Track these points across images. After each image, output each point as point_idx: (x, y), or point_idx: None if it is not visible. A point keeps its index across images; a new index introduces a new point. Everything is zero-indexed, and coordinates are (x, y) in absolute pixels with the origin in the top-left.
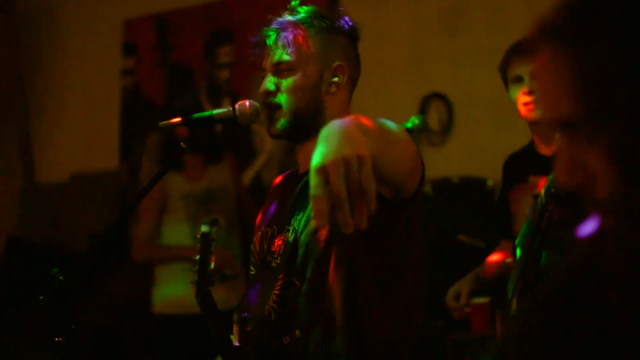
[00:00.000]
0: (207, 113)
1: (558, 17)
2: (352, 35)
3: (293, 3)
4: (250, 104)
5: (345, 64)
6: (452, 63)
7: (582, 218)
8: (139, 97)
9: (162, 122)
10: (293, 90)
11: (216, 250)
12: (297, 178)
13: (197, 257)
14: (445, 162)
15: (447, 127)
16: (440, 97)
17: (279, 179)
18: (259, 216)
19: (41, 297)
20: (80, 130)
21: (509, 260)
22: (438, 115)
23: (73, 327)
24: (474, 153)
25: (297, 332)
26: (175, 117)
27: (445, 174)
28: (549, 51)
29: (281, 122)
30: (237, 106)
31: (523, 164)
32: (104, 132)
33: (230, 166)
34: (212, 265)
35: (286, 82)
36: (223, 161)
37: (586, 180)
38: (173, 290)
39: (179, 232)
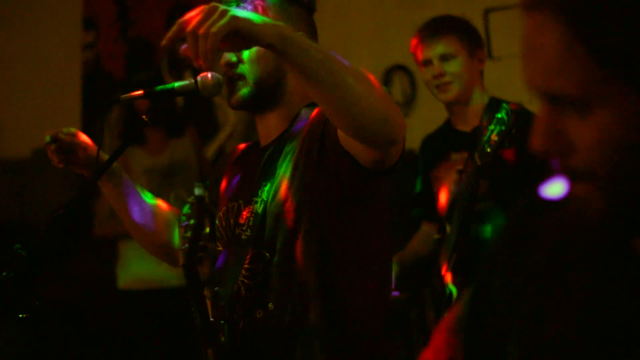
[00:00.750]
0: (169, 85)
1: None
2: (309, 6)
3: None
4: (212, 75)
5: (305, 34)
6: (411, 34)
7: (503, 188)
8: (100, 71)
9: (124, 95)
10: (255, 60)
11: (209, 214)
12: (261, 151)
13: (192, 221)
14: (409, 134)
15: (410, 99)
16: (403, 69)
17: (237, 152)
18: (221, 191)
19: (3, 273)
20: (41, 105)
21: (436, 235)
22: (401, 87)
23: (37, 303)
24: (437, 125)
25: (270, 305)
26: (136, 90)
27: (409, 146)
28: (546, 15)
29: (243, 91)
30: (199, 78)
31: (443, 142)
32: (65, 106)
33: (193, 140)
34: (207, 229)
35: (248, 53)
36: (185, 135)
37: (564, 149)
38: (137, 266)
39: None
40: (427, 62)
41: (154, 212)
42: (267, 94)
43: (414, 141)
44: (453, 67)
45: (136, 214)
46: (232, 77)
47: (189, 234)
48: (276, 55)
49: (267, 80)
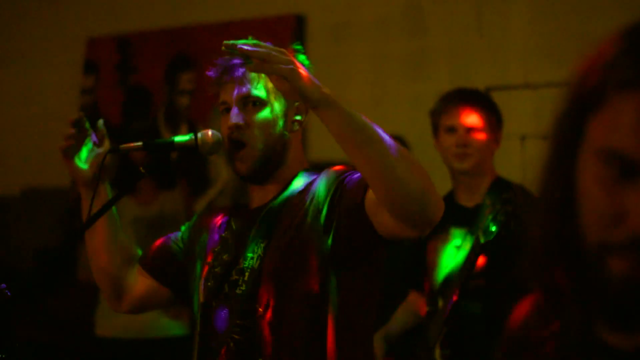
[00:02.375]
0: (168, 139)
1: None
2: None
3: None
4: (212, 134)
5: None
6: (412, 106)
7: (501, 268)
8: (97, 115)
9: (123, 145)
10: (264, 126)
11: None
12: (255, 210)
13: (225, 255)
14: None
15: None
16: (398, 139)
17: (222, 210)
18: (208, 239)
19: None
20: (35, 145)
21: (418, 313)
22: None
23: (16, 345)
24: None
25: None
26: (133, 140)
27: None
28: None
29: (253, 162)
30: (199, 135)
31: (444, 214)
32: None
33: (183, 193)
34: (241, 264)
35: (256, 117)
36: (176, 188)
37: None
38: (117, 314)
39: None
40: (452, 129)
41: (126, 244)
42: (272, 162)
43: None
44: (478, 139)
45: (111, 236)
46: (236, 140)
47: (218, 269)
48: (320, 118)
49: (273, 148)
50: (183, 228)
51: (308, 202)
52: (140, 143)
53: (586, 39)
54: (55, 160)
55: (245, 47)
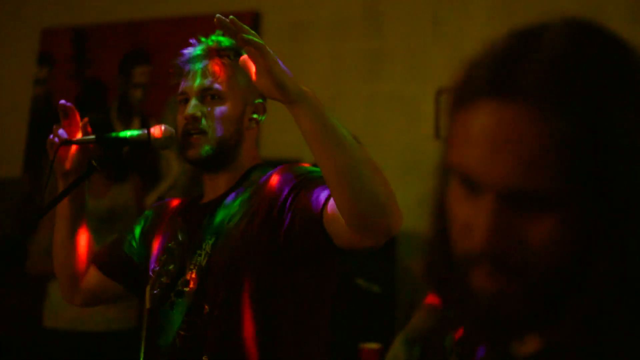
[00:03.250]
0: (121, 134)
1: (553, 77)
2: None
3: (217, 33)
4: (165, 129)
5: (265, 102)
6: (368, 107)
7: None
8: (49, 107)
9: (76, 138)
10: (221, 120)
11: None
12: (205, 205)
13: (171, 267)
14: None
15: None
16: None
17: (173, 205)
18: (158, 242)
19: None
20: None
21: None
22: None
23: None
24: None
25: (204, 358)
26: (87, 133)
27: None
28: (522, 105)
29: (205, 148)
30: (152, 130)
31: None
32: (10, 139)
33: (134, 187)
34: (187, 276)
35: (214, 111)
36: (127, 181)
37: (511, 247)
38: (65, 306)
39: None
40: None
41: (89, 239)
42: (225, 154)
43: None
44: None
45: (74, 230)
46: (191, 131)
47: (164, 278)
48: (293, 115)
49: (228, 141)
50: (137, 228)
51: (260, 198)
52: (93, 137)
53: None
54: (6, 151)
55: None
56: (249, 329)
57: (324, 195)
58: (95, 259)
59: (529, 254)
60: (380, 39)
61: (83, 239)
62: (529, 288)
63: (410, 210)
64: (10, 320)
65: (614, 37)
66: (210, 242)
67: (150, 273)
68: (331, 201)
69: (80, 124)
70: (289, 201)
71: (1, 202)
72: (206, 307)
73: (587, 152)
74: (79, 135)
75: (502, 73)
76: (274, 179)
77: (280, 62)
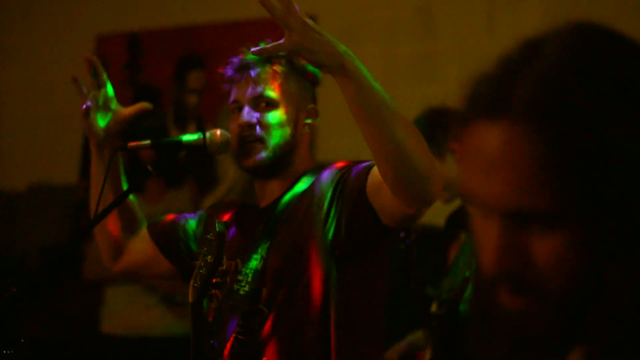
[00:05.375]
0: (177, 138)
1: (542, 95)
2: (314, 80)
3: (267, 41)
4: (221, 133)
5: (317, 107)
6: (421, 108)
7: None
8: None
9: (131, 143)
10: (276, 127)
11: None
12: (262, 210)
13: (209, 257)
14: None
15: None
16: None
17: (230, 209)
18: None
19: None
20: (43, 141)
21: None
22: None
23: (22, 340)
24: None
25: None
26: (141, 138)
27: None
28: (516, 124)
29: (262, 156)
30: (208, 134)
31: (461, 221)
32: (66, 144)
33: (191, 192)
34: (224, 266)
35: (269, 117)
36: (183, 186)
37: (520, 266)
38: (123, 312)
39: None
40: None
41: (133, 207)
42: (281, 161)
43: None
44: None
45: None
46: (248, 138)
47: (203, 270)
48: (337, 82)
49: (283, 147)
50: (191, 221)
51: (310, 199)
52: (148, 142)
53: None
54: (62, 157)
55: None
56: (305, 331)
57: (364, 171)
58: (152, 229)
59: (539, 273)
60: (433, 42)
61: (126, 206)
62: (551, 306)
63: None
64: (68, 326)
65: (621, 45)
66: (266, 245)
67: (194, 265)
68: (372, 173)
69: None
70: (337, 192)
71: (58, 208)
72: (264, 310)
73: (579, 170)
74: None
75: (497, 92)
76: (324, 178)
77: (315, 32)
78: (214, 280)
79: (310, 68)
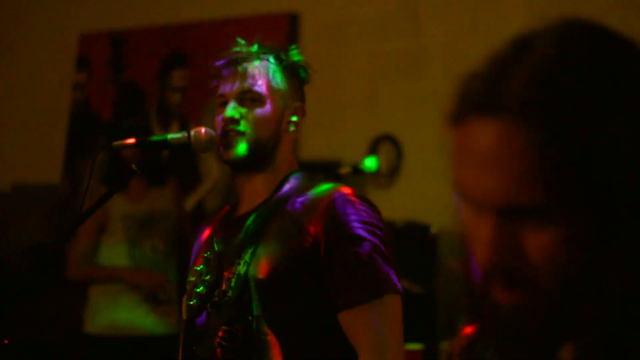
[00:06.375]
0: (161, 137)
1: (534, 91)
2: (306, 78)
3: (256, 38)
4: (206, 131)
5: (304, 105)
6: (406, 106)
7: None
8: (88, 112)
9: (116, 142)
10: (260, 122)
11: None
12: (244, 215)
13: (208, 277)
14: (391, 206)
15: (394, 170)
16: (390, 139)
17: (218, 216)
18: (196, 251)
19: None
20: (26, 140)
21: None
22: (387, 157)
23: (6, 342)
24: (419, 198)
25: None
26: (125, 137)
27: (390, 217)
28: (507, 121)
29: (241, 148)
30: (192, 132)
31: None
32: (49, 143)
33: (174, 190)
34: (224, 286)
35: (254, 113)
36: (166, 185)
37: (515, 261)
38: (106, 311)
39: (117, 253)
40: None
41: None
42: (262, 156)
43: (396, 212)
44: None
45: None
46: (231, 133)
47: (200, 289)
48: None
49: (266, 143)
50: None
51: (298, 214)
52: (133, 140)
53: None
54: (46, 156)
55: None
56: (290, 340)
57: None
58: None
59: (532, 269)
60: (418, 38)
61: None
62: (544, 301)
63: (452, 209)
64: (51, 326)
65: (612, 41)
66: (250, 251)
67: (189, 283)
68: (350, 314)
69: None
70: (327, 257)
71: (41, 208)
72: (249, 317)
73: (571, 166)
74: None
75: (490, 88)
76: (319, 213)
77: None
78: (214, 299)
79: (299, 65)
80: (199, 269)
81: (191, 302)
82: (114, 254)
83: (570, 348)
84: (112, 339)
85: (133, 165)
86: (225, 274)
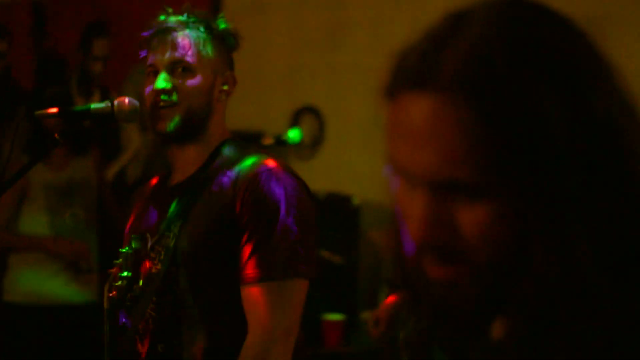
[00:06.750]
0: (84, 107)
1: (469, 66)
2: (231, 46)
3: (185, 6)
4: (129, 101)
5: (233, 74)
6: (329, 78)
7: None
8: (9, 81)
9: (39, 112)
10: (192, 93)
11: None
12: (176, 187)
13: (126, 273)
14: (313, 177)
15: (317, 141)
16: (312, 110)
17: (148, 187)
18: (130, 222)
19: None
20: None
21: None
22: (310, 128)
23: None
24: (341, 170)
25: (174, 340)
26: (47, 106)
27: (312, 189)
28: (441, 97)
29: (174, 121)
30: (116, 103)
31: None
32: None
33: (95, 159)
34: (141, 282)
35: (185, 83)
36: (88, 154)
37: (448, 237)
38: (26, 279)
39: (37, 221)
40: None
41: None
42: (194, 126)
43: (317, 183)
44: None
45: None
46: (161, 104)
47: (119, 282)
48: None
49: (198, 114)
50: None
51: (225, 190)
52: (56, 110)
53: None
54: None
55: None
56: (215, 312)
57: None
58: None
59: (464, 244)
60: (340, 10)
61: None
62: (476, 277)
63: (374, 181)
64: None
65: (549, 19)
66: (179, 224)
67: (110, 272)
68: (251, 290)
69: None
70: (242, 231)
71: None
72: (175, 289)
73: (503, 143)
74: None
75: (424, 63)
76: (243, 188)
77: None
78: (129, 296)
79: (229, 33)
80: (117, 262)
81: (111, 294)
82: (35, 222)
83: (501, 324)
84: (32, 307)
85: (56, 135)
86: (157, 247)
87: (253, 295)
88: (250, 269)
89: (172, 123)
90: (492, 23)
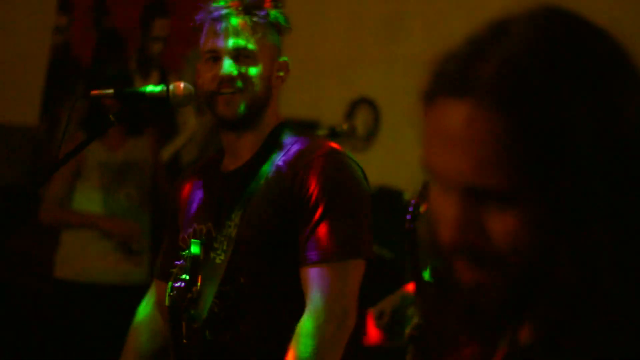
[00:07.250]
0: (140, 90)
1: (506, 77)
2: (286, 31)
3: None
4: (184, 86)
5: (287, 61)
6: (386, 69)
7: None
8: (68, 56)
9: (94, 92)
10: (256, 80)
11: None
12: (232, 173)
13: (185, 276)
14: (365, 170)
15: (372, 132)
16: (368, 102)
17: (196, 169)
18: (182, 209)
19: None
20: (5, 81)
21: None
22: (365, 120)
23: None
24: (394, 164)
25: (241, 328)
26: (105, 86)
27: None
28: (475, 104)
29: (241, 107)
30: (171, 87)
31: None
32: (26, 87)
33: (150, 141)
34: (199, 285)
35: (249, 71)
36: (144, 135)
37: (479, 241)
38: (77, 257)
39: (91, 199)
40: None
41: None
42: (257, 113)
43: (369, 176)
44: None
45: None
46: (226, 90)
47: (179, 285)
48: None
49: (261, 101)
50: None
51: (285, 175)
52: (111, 91)
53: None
54: (23, 98)
55: None
56: (279, 300)
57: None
58: (157, 274)
59: (495, 248)
60: (399, 1)
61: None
62: (503, 282)
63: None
64: (23, 269)
65: (588, 32)
66: (239, 212)
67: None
68: (310, 271)
69: None
70: (304, 212)
71: (16, 149)
72: (241, 279)
73: (535, 152)
74: None
75: (463, 71)
76: (306, 171)
77: None
78: (188, 296)
79: (283, 19)
80: (179, 265)
81: (172, 293)
82: (88, 200)
83: (528, 329)
84: (81, 285)
85: (111, 116)
86: (215, 233)
87: (312, 275)
88: (311, 250)
89: (239, 109)
90: (531, 35)
